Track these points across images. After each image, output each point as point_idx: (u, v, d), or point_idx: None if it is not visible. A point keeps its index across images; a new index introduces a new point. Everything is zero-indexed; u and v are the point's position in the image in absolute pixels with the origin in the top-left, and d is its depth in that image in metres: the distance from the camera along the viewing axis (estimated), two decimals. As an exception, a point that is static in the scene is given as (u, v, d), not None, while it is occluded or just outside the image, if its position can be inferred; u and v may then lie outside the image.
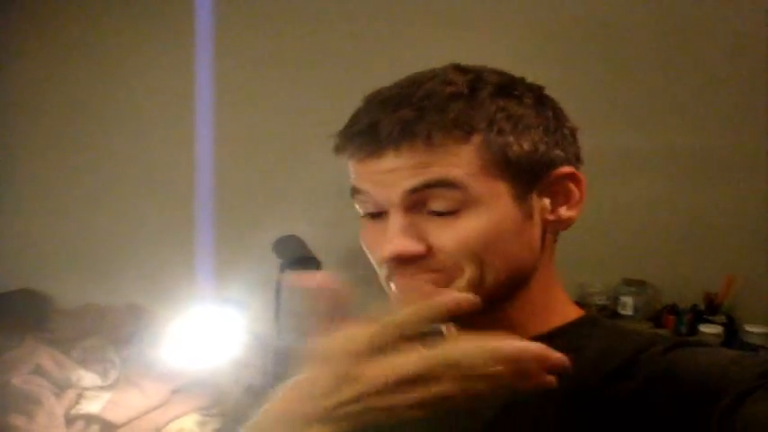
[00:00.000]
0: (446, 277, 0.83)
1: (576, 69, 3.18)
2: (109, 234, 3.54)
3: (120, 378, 2.97)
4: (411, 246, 0.83)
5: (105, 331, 3.18)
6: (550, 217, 0.89)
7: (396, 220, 0.84)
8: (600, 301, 3.11)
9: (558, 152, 0.87)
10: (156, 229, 3.49)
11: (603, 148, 2.95)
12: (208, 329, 2.49)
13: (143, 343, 3.07)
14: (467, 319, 0.81)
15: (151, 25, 3.53)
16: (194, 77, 3.29)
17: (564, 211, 0.89)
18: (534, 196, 0.86)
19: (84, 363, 3.01)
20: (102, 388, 2.91)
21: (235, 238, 3.16)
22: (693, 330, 2.87)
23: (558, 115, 0.89)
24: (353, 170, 0.88)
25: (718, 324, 2.86)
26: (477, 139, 0.82)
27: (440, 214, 0.83)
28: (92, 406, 2.79)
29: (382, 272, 0.89)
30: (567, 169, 0.88)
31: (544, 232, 0.89)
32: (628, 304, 3.07)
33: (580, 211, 0.90)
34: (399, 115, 0.82)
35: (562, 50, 3.22)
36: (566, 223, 0.90)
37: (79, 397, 2.85)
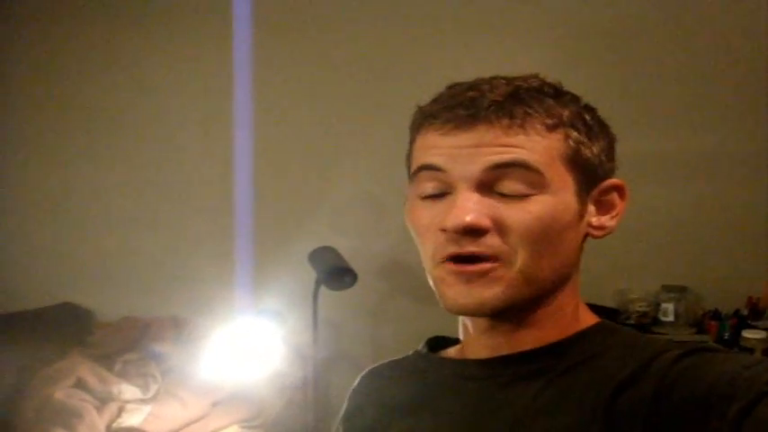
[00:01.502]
0: (500, 263, 0.87)
1: (605, 73, 3.18)
2: (148, 247, 3.56)
3: (161, 391, 2.98)
4: (481, 219, 0.85)
5: (145, 344, 3.20)
6: (595, 223, 0.93)
7: (468, 194, 0.86)
8: (640, 307, 3.07)
9: (610, 165, 0.94)
10: (194, 241, 3.51)
11: (640, 152, 2.92)
12: (247, 341, 2.49)
13: (183, 355, 3.08)
14: (507, 315, 0.90)
15: (188, 37, 3.56)
16: (232, 91, 3.32)
17: (606, 221, 0.94)
18: (588, 200, 0.92)
19: (125, 376, 3.03)
20: (143, 401, 2.93)
21: (271, 249, 3.17)
22: (737, 336, 2.82)
23: (609, 132, 0.95)
24: (429, 145, 0.90)
25: (761, 329, 2.81)
26: (560, 132, 0.88)
27: (510, 196, 0.86)
28: (133, 419, 2.81)
29: (435, 250, 0.90)
30: (617, 181, 0.94)
31: (584, 237, 0.94)
32: (669, 311, 3.04)
33: (619, 223, 0.94)
34: (500, 93, 0.87)
35: (590, 55, 3.21)
36: (605, 232, 0.94)
37: (120, 410, 2.87)
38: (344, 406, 1.10)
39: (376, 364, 1.11)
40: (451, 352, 1.04)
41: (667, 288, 3.08)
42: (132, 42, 3.61)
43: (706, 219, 3.14)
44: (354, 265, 2.49)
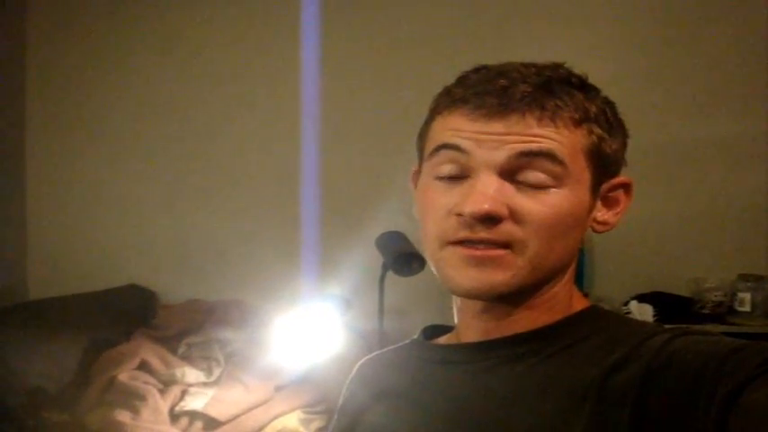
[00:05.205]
0: (511, 250, 0.88)
1: (664, 57, 3.06)
2: (214, 230, 3.56)
3: (224, 375, 2.97)
4: (499, 207, 0.86)
5: (209, 327, 3.19)
6: (600, 218, 0.96)
7: (491, 180, 0.87)
8: (716, 297, 2.98)
9: (622, 162, 0.96)
10: (260, 225, 3.51)
11: (716, 136, 2.84)
12: (312, 326, 2.46)
13: (247, 340, 3.07)
14: (505, 299, 0.92)
15: (256, 19, 3.55)
16: (300, 74, 3.32)
17: (610, 217, 0.97)
18: (598, 195, 0.94)
19: (188, 359, 3.03)
20: (206, 384, 2.92)
21: (338, 234, 3.14)
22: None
23: (625, 129, 0.97)
24: (453, 127, 0.91)
25: None
26: (585, 127, 0.90)
27: (530, 186, 0.88)
28: (196, 402, 2.80)
29: (443, 232, 0.91)
30: (625, 179, 0.97)
31: (584, 229, 0.96)
32: (745, 300, 2.94)
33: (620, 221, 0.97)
34: (532, 83, 0.88)
35: (648, 39, 3.11)
36: (607, 228, 0.97)
37: (183, 393, 2.87)
38: (341, 397, 1.14)
39: (372, 354, 1.15)
40: (445, 338, 1.07)
41: (744, 277, 2.97)
42: (196, 28, 3.61)
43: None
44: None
